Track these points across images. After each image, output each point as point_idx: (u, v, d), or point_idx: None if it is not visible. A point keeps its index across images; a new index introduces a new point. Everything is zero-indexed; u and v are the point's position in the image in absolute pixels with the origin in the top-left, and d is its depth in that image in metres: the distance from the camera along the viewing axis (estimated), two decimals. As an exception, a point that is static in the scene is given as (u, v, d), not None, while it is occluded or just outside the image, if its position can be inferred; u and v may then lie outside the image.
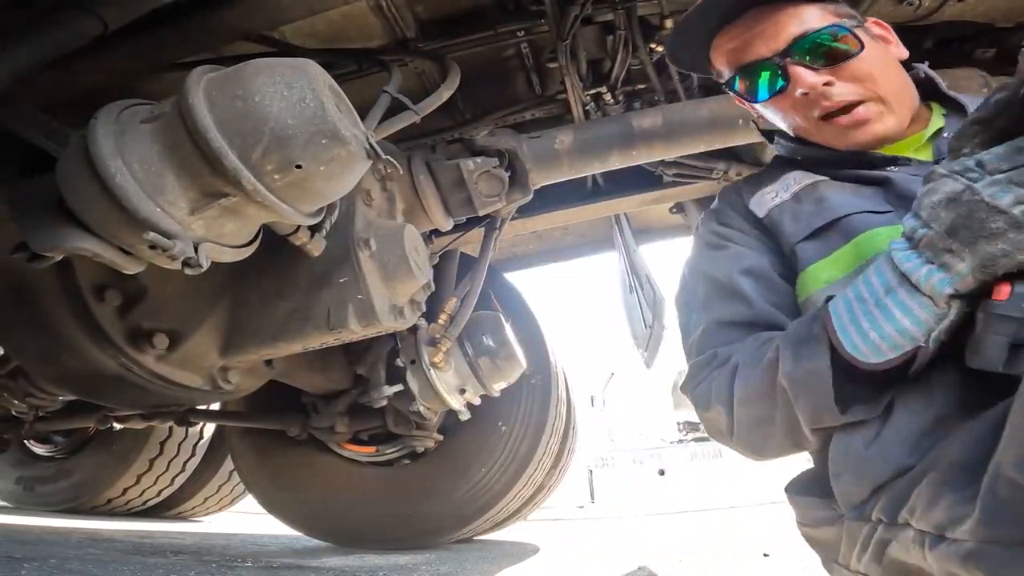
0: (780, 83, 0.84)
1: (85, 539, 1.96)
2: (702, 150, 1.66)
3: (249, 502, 3.13)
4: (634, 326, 2.89)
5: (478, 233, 1.83)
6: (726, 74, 0.91)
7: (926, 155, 0.82)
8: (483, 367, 1.80)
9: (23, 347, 1.43)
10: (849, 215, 0.78)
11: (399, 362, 1.77)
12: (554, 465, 2.41)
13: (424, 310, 1.53)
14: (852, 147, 0.84)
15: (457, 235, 1.88)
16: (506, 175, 1.57)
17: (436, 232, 1.74)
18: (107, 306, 1.29)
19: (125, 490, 3.07)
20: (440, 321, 1.75)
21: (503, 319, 1.86)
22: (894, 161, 0.81)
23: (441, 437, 2.11)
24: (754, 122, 1.03)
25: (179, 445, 3.09)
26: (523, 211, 1.91)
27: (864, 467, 0.64)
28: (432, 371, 1.74)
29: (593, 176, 2.11)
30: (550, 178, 1.65)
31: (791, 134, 0.91)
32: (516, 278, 2.59)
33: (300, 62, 0.99)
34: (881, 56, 0.84)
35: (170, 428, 2.99)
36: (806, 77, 0.81)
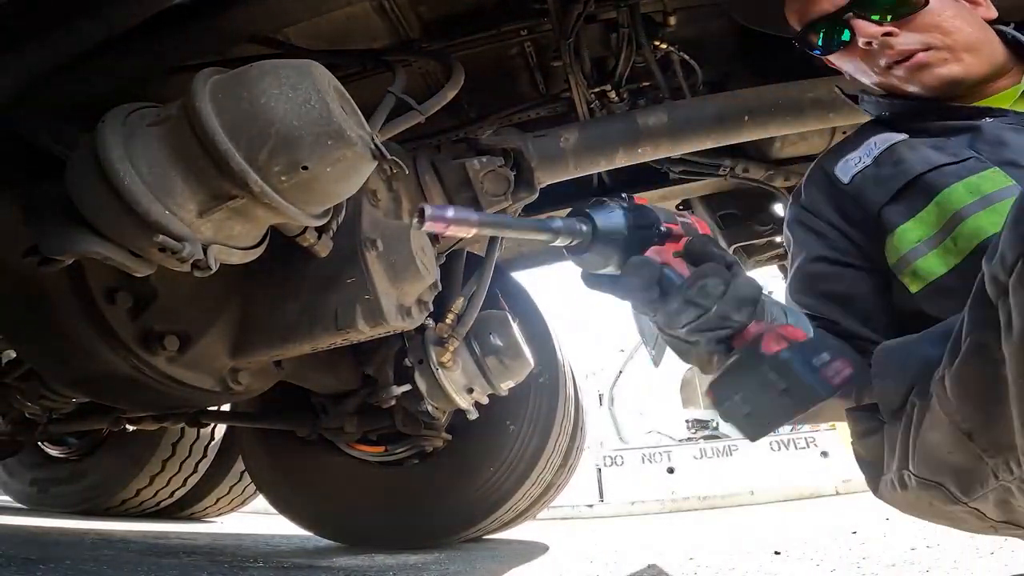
0: (845, 35, 0.88)
1: (99, 540, 1.98)
2: (708, 147, 1.65)
3: (260, 502, 3.15)
4: (642, 324, 2.88)
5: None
6: (797, 30, 0.94)
7: (1023, 108, 0.84)
8: (491, 366, 1.80)
9: (36, 350, 1.45)
10: (924, 173, 0.80)
11: (407, 362, 1.77)
12: (563, 464, 2.40)
13: (431, 310, 1.53)
14: (925, 92, 0.87)
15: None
16: (511, 174, 1.57)
17: (442, 232, 1.74)
18: (118, 309, 1.30)
19: (138, 491, 3.10)
20: (447, 321, 1.75)
21: (510, 318, 1.86)
22: (988, 112, 0.83)
23: (449, 437, 2.11)
24: (837, 87, 1.07)
25: (191, 446, 3.11)
26: (529, 210, 1.91)
27: (899, 368, 0.70)
28: (440, 371, 1.74)
29: (599, 174, 2.11)
30: (555, 176, 1.65)
31: (874, 89, 0.94)
32: (523, 277, 2.59)
33: (304, 63, 1.00)
34: (953, 9, 0.86)
35: (182, 429, 3.01)
36: (866, 28, 0.85)
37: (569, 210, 0.66)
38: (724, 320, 0.61)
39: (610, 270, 0.65)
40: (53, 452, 3.23)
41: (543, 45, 1.64)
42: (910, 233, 0.80)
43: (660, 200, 2.16)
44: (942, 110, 0.87)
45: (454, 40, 1.53)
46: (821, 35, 0.91)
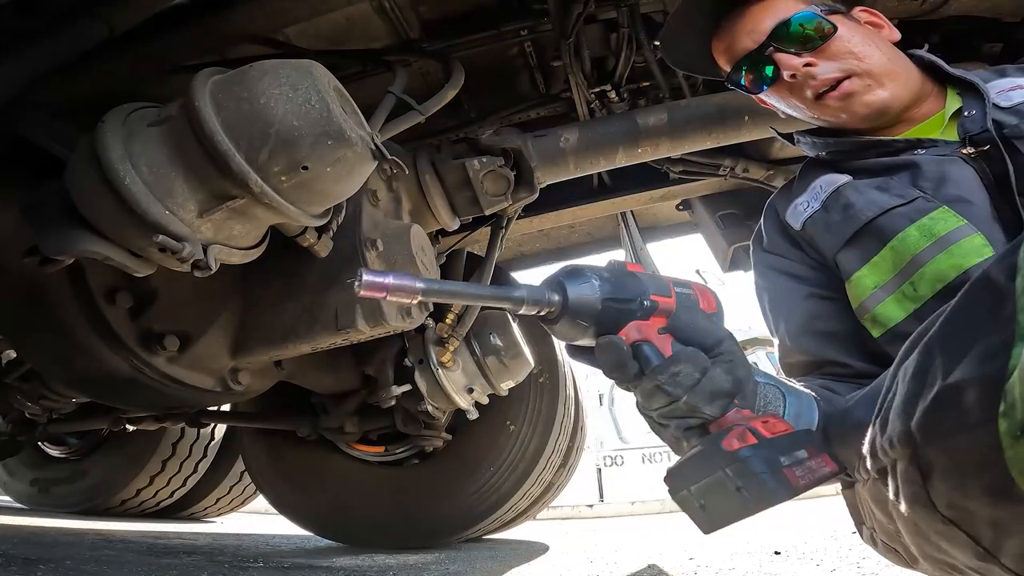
0: (769, 70, 0.90)
1: (100, 540, 1.98)
2: (708, 147, 1.65)
3: (260, 502, 3.15)
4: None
5: (485, 232, 1.83)
6: (727, 72, 0.95)
7: (951, 135, 0.83)
8: (491, 366, 1.80)
9: (36, 350, 1.45)
10: (875, 218, 0.80)
11: (407, 362, 1.77)
12: (563, 464, 2.41)
13: (432, 310, 1.53)
14: (856, 123, 0.87)
15: (464, 234, 1.89)
16: (512, 174, 1.57)
17: (443, 232, 1.75)
18: (118, 309, 1.30)
19: (139, 491, 3.10)
20: (448, 321, 1.76)
21: (510, 318, 1.86)
22: (919, 144, 0.83)
23: (449, 436, 2.11)
24: (772, 128, 1.09)
25: (191, 446, 3.11)
26: (529, 210, 1.91)
27: (842, 437, 0.69)
28: (440, 371, 1.74)
29: (599, 174, 2.11)
30: (556, 176, 1.65)
31: (809, 124, 0.95)
32: (523, 277, 2.59)
33: (305, 63, 1.00)
34: (862, 35, 0.87)
35: (182, 429, 3.01)
36: (788, 60, 0.86)
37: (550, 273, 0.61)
38: (694, 411, 0.58)
39: (587, 342, 0.60)
40: (53, 452, 3.23)
41: (543, 45, 1.64)
42: (866, 279, 0.81)
43: (661, 199, 2.16)
44: (875, 145, 0.87)
45: (454, 40, 1.53)
46: (747, 73, 0.92)
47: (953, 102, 0.86)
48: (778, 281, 0.93)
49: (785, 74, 0.87)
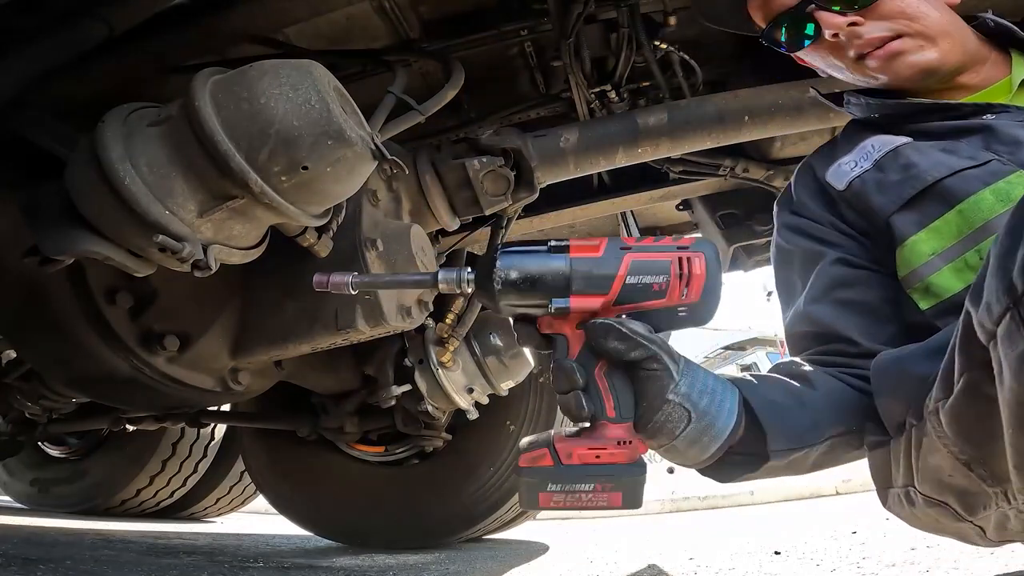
0: (809, 28, 0.84)
1: (99, 540, 1.98)
2: (708, 147, 1.65)
3: (260, 502, 3.15)
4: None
5: (485, 232, 1.83)
6: (761, 27, 0.90)
7: (1021, 101, 0.79)
8: (491, 366, 1.80)
9: (36, 350, 1.45)
10: (943, 179, 0.74)
11: (407, 362, 1.77)
12: (563, 464, 2.40)
13: (431, 310, 1.53)
14: (897, 83, 0.83)
15: (464, 234, 1.89)
16: (512, 174, 1.57)
17: (443, 232, 1.75)
18: (118, 309, 1.30)
19: (138, 491, 3.10)
20: (447, 321, 1.76)
21: (510, 319, 1.86)
22: (988, 108, 0.79)
23: (449, 436, 2.11)
24: (814, 89, 1.03)
25: (191, 446, 3.11)
26: (529, 210, 1.90)
27: (895, 385, 0.68)
28: (440, 371, 1.74)
29: (599, 174, 2.11)
30: (556, 176, 1.65)
31: (854, 84, 0.90)
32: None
33: (304, 63, 1.00)
34: None
35: (182, 429, 3.01)
36: (830, 19, 0.81)
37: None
38: (567, 414, 0.64)
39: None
40: (53, 452, 3.23)
41: (543, 45, 1.63)
42: (923, 245, 0.75)
43: (661, 199, 2.16)
44: (941, 108, 0.81)
45: (454, 40, 1.53)
46: (785, 31, 0.87)
47: (1020, 69, 0.82)
48: (804, 244, 0.87)
49: (827, 33, 0.82)
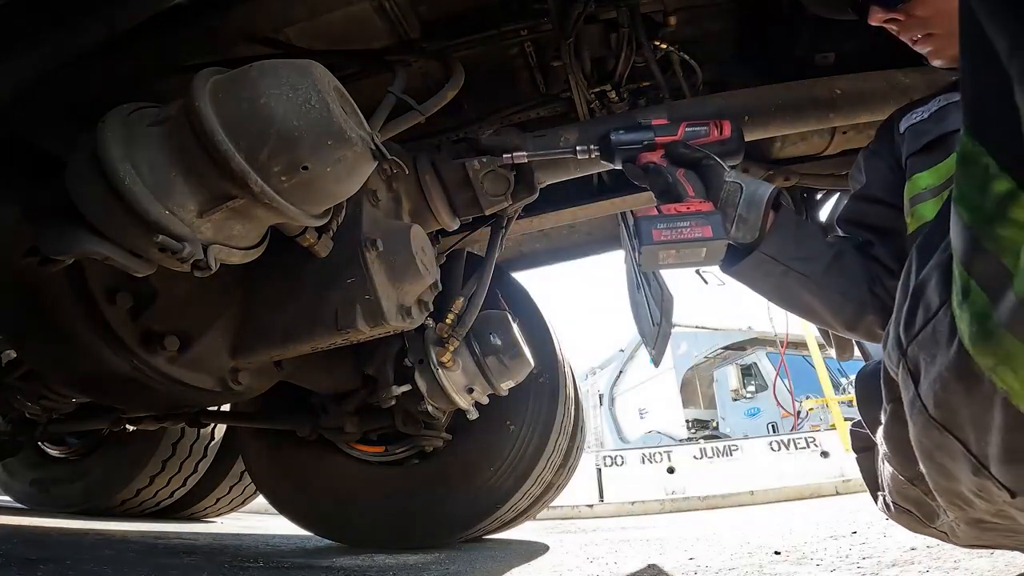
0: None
1: (100, 540, 1.98)
2: (708, 146, 1.65)
3: (260, 502, 3.15)
4: (642, 324, 2.88)
5: (485, 232, 1.83)
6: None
7: None
8: (491, 366, 1.80)
9: (36, 350, 1.45)
10: (956, 130, 0.86)
11: (407, 362, 1.77)
12: (563, 464, 2.40)
13: (432, 310, 1.53)
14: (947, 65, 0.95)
15: (464, 234, 1.89)
16: (512, 174, 1.57)
17: (443, 232, 1.75)
18: (118, 309, 1.30)
19: (138, 491, 3.10)
20: (447, 321, 1.75)
21: (510, 318, 1.86)
22: None
23: (449, 436, 2.11)
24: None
25: (191, 446, 3.11)
26: (529, 210, 1.91)
27: (866, 399, 0.79)
28: (440, 371, 1.74)
29: (599, 174, 2.11)
30: (556, 177, 1.65)
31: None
32: (523, 277, 2.59)
33: (305, 63, 1.00)
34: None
35: (182, 429, 3.01)
36: (874, 13, 0.94)
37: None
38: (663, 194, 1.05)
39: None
40: (53, 452, 3.23)
41: (543, 45, 1.64)
42: (922, 180, 0.88)
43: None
44: None
45: (454, 40, 1.53)
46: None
47: None
48: (872, 162, 1.06)
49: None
